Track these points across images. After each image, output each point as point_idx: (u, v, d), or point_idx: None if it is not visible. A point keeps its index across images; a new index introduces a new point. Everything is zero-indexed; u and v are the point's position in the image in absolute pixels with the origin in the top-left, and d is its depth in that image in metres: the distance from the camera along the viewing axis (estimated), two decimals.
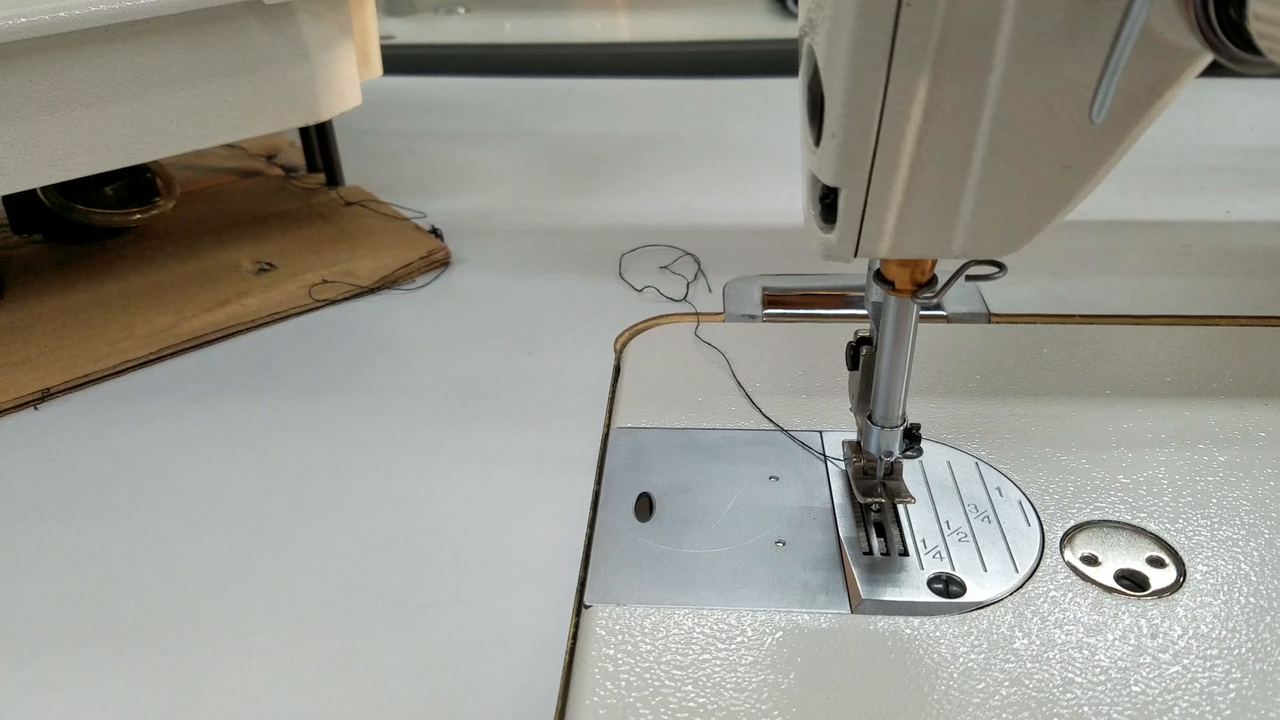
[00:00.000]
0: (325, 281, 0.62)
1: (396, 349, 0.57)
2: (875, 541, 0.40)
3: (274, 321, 0.59)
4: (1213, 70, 0.27)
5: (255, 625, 0.39)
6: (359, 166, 0.78)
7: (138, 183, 0.66)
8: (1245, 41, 0.23)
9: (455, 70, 1.05)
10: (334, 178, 0.75)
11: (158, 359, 0.55)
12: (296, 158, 0.80)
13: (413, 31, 1.13)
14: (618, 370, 0.54)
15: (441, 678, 0.36)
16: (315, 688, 0.36)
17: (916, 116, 0.28)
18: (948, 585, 0.38)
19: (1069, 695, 0.33)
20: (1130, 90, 0.27)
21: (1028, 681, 0.34)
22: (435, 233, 0.68)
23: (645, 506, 0.43)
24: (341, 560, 0.42)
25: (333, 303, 0.61)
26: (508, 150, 0.85)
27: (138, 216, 0.65)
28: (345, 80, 0.64)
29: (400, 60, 1.03)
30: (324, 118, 0.63)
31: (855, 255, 0.32)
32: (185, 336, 0.56)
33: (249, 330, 0.58)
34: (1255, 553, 0.39)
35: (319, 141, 0.75)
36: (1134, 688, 0.34)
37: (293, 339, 0.58)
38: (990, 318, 0.57)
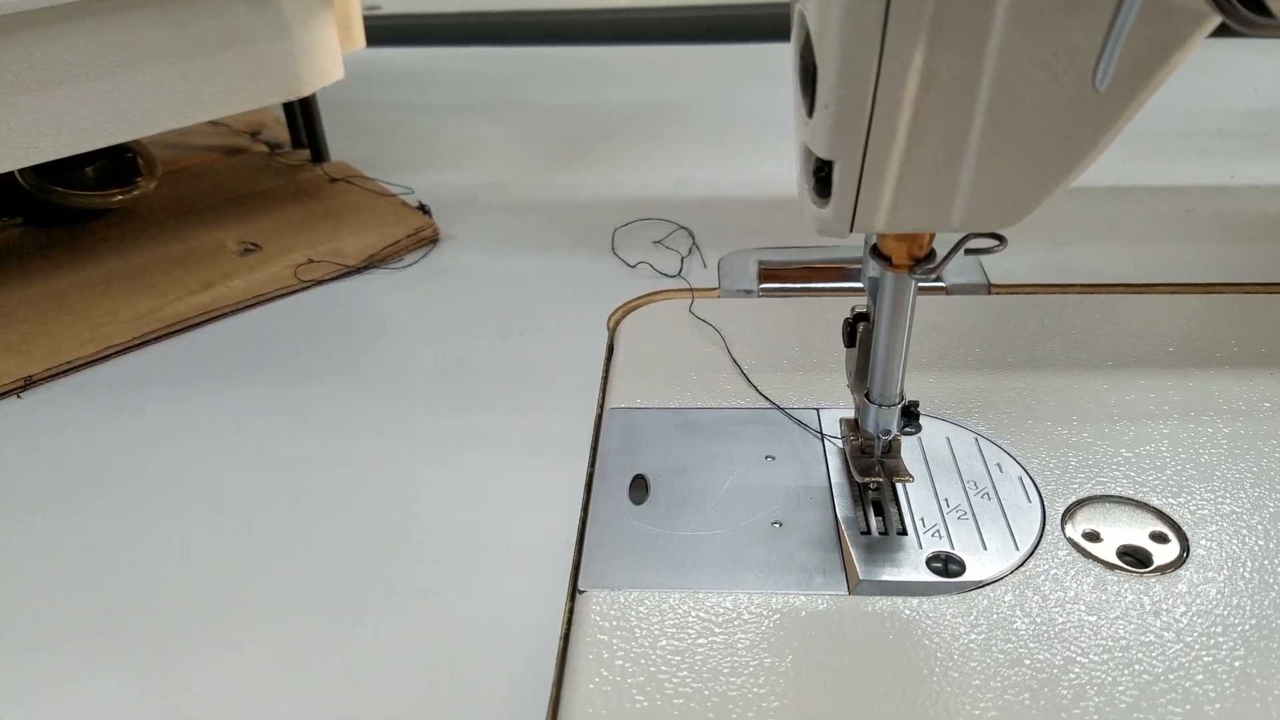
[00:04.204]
0: (311, 261, 0.61)
1: (385, 330, 0.56)
2: (873, 521, 0.39)
3: (260, 303, 0.58)
4: (1218, 30, 0.26)
5: (247, 616, 0.38)
6: (345, 141, 0.77)
7: (118, 163, 0.65)
8: (1256, 3, 0.22)
9: (442, 40, 1.03)
10: (319, 154, 0.74)
11: (142, 344, 0.55)
12: (281, 133, 0.79)
13: (399, 0, 1.11)
14: (611, 349, 0.53)
15: (435, 666, 0.36)
16: (309, 678, 0.36)
17: (912, 86, 0.27)
18: (947, 564, 0.37)
19: (1071, 675, 0.33)
20: (1135, 55, 0.26)
21: (1029, 661, 0.33)
22: (423, 209, 0.67)
23: (640, 488, 0.42)
24: (332, 548, 0.41)
25: (319, 283, 0.60)
26: (497, 122, 0.84)
27: (119, 198, 0.64)
28: (326, 53, 0.62)
29: (385, 31, 1.02)
30: (305, 93, 0.61)
31: (851, 231, 0.31)
32: (170, 320, 0.55)
33: (234, 313, 0.57)
34: (1260, 526, 0.38)
35: (303, 117, 0.73)
36: (1137, 666, 0.33)
37: (279, 321, 0.57)
38: (990, 288, 0.56)
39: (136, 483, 0.45)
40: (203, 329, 0.56)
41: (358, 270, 0.61)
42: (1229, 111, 0.80)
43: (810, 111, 0.29)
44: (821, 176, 0.30)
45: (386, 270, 0.62)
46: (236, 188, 0.70)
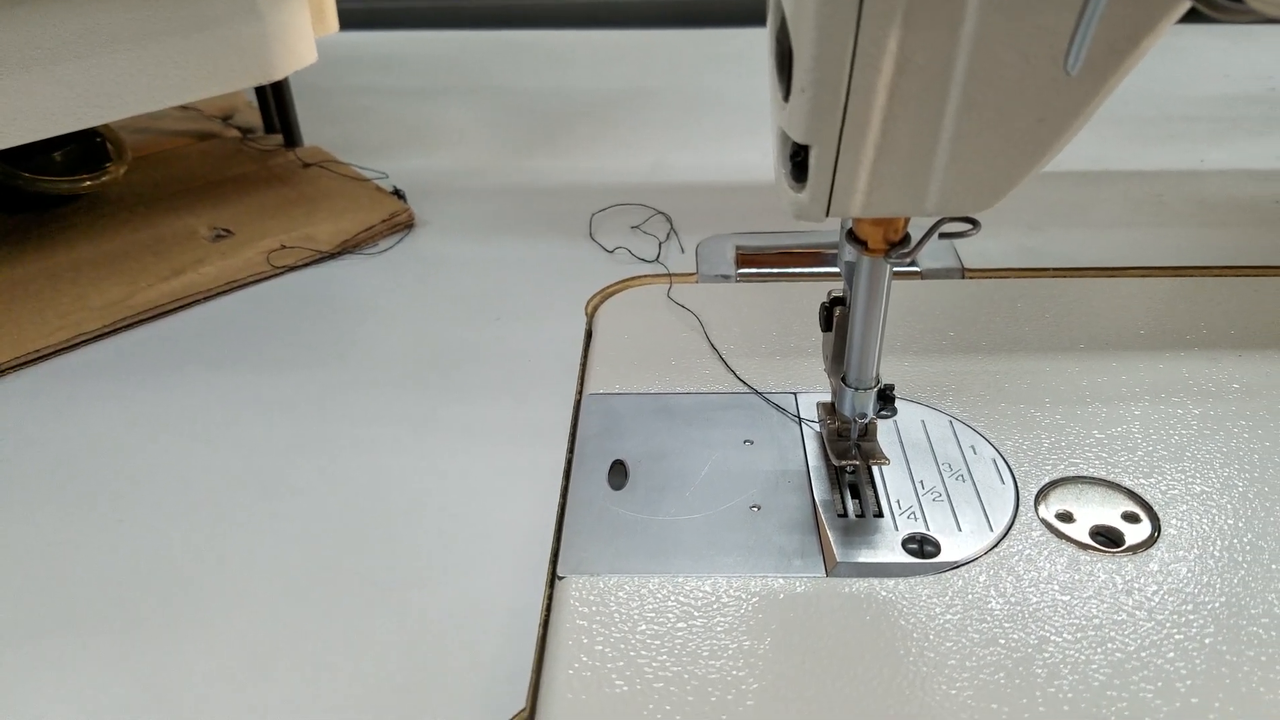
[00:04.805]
0: (284, 247, 0.60)
1: (359, 317, 0.55)
2: (850, 503, 0.40)
3: (232, 290, 0.57)
4: (1187, 17, 0.26)
5: (224, 607, 0.38)
6: (318, 126, 0.76)
7: (87, 148, 0.64)
8: None
9: (416, 24, 1.02)
10: (292, 138, 0.73)
11: (112, 332, 0.54)
12: (253, 118, 0.78)
13: None
14: (589, 335, 0.53)
15: (416, 652, 0.36)
16: (289, 667, 0.35)
17: (888, 70, 0.27)
18: (922, 545, 0.38)
19: (1045, 654, 0.33)
20: (1107, 39, 0.26)
21: (1003, 641, 0.34)
22: (398, 194, 0.66)
23: (619, 474, 0.42)
24: (309, 536, 0.41)
25: (293, 269, 0.59)
26: (472, 107, 0.83)
27: (88, 183, 0.63)
28: (299, 37, 0.61)
29: (359, 15, 1.01)
30: (278, 76, 0.61)
31: (827, 215, 0.31)
32: (141, 308, 0.55)
33: (207, 300, 0.57)
34: (1229, 506, 0.39)
35: (276, 101, 0.73)
36: (1110, 645, 0.34)
37: (252, 308, 0.56)
38: (964, 273, 0.56)
39: (108, 471, 0.45)
40: (174, 316, 0.56)
41: (331, 256, 0.61)
42: (1198, 98, 0.81)
43: (786, 96, 0.29)
44: (798, 161, 0.30)
45: (361, 256, 0.61)
46: (208, 173, 0.69)
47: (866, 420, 0.39)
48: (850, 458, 0.39)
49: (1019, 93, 0.27)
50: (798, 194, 0.31)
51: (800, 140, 0.29)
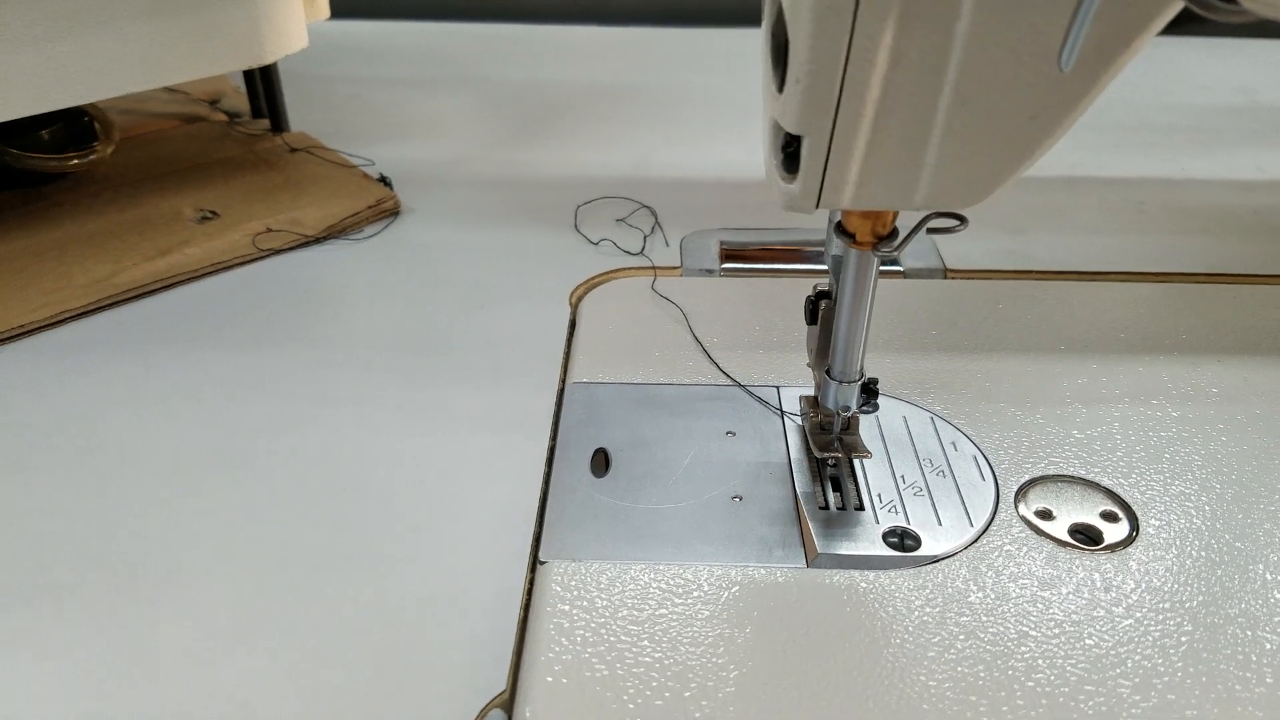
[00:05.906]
0: (270, 230, 0.60)
1: (344, 301, 0.55)
2: (831, 496, 0.40)
3: (217, 271, 0.57)
4: (1167, 29, 0.27)
5: (200, 584, 0.38)
6: (305, 112, 0.76)
7: (74, 127, 0.63)
8: None
9: (407, 14, 1.02)
10: (279, 123, 0.73)
11: (96, 310, 0.53)
12: (240, 103, 0.77)
13: None
14: (573, 324, 0.53)
15: (396, 635, 0.36)
16: (264, 648, 0.35)
17: (882, 64, 0.27)
18: (903, 539, 0.38)
19: (1023, 648, 0.34)
20: (1100, 38, 0.27)
21: (983, 635, 0.34)
22: (384, 181, 0.66)
23: (601, 462, 0.42)
24: (289, 518, 0.41)
25: (278, 252, 0.59)
26: (461, 97, 0.83)
27: (75, 162, 0.63)
28: (290, 21, 0.61)
29: (350, 3, 1.00)
30: (268, 60, 0.60)
31: (817, 206, 0.31)
32: (125, 286, 0.54)
33: (191, 280, 0.56)
34: (1207, 507, 0.40)
35: (264, 86, 0.72)
36: (1088, 641, 0.34)
37: (237, 290, 0.56)
38: (946, 273, 0.57)
39: (87, 447, 0.44)
40: (159, 296, 0.55)
41: (317, 240, 0.60)
42: (1178, 107, 0.82)
43: (780, 87, 0.29)
44: (790, 152, 0.30)
45: (346, 241, 0.61)
46: (194, 155, 0.69)
47: (850, 413, 0.39)
48: (832, 450, 0.40)
49: (1011, 89, 0.28)
50: (788, 185, 0.31)
51: (793, 131, 0.29)
